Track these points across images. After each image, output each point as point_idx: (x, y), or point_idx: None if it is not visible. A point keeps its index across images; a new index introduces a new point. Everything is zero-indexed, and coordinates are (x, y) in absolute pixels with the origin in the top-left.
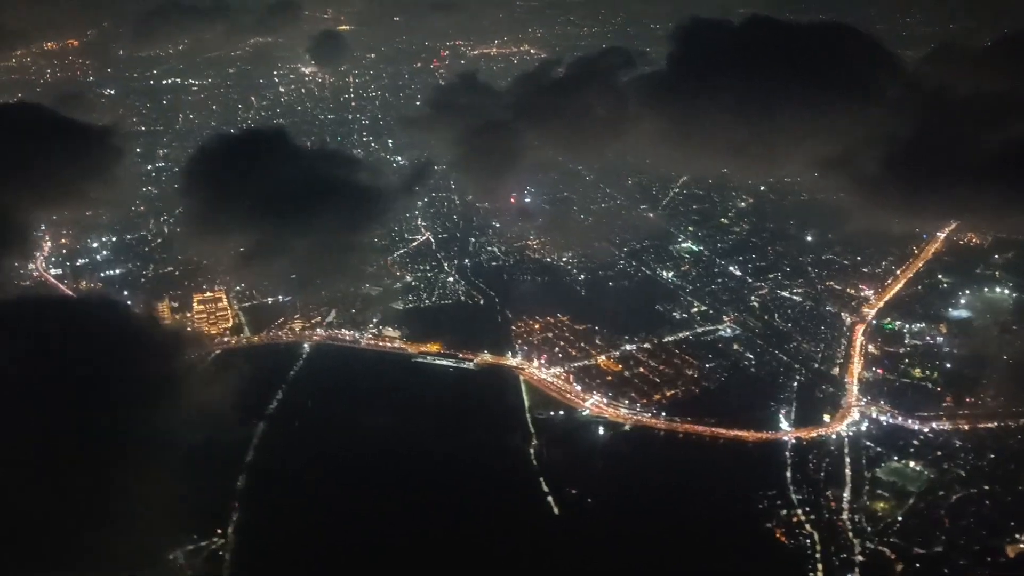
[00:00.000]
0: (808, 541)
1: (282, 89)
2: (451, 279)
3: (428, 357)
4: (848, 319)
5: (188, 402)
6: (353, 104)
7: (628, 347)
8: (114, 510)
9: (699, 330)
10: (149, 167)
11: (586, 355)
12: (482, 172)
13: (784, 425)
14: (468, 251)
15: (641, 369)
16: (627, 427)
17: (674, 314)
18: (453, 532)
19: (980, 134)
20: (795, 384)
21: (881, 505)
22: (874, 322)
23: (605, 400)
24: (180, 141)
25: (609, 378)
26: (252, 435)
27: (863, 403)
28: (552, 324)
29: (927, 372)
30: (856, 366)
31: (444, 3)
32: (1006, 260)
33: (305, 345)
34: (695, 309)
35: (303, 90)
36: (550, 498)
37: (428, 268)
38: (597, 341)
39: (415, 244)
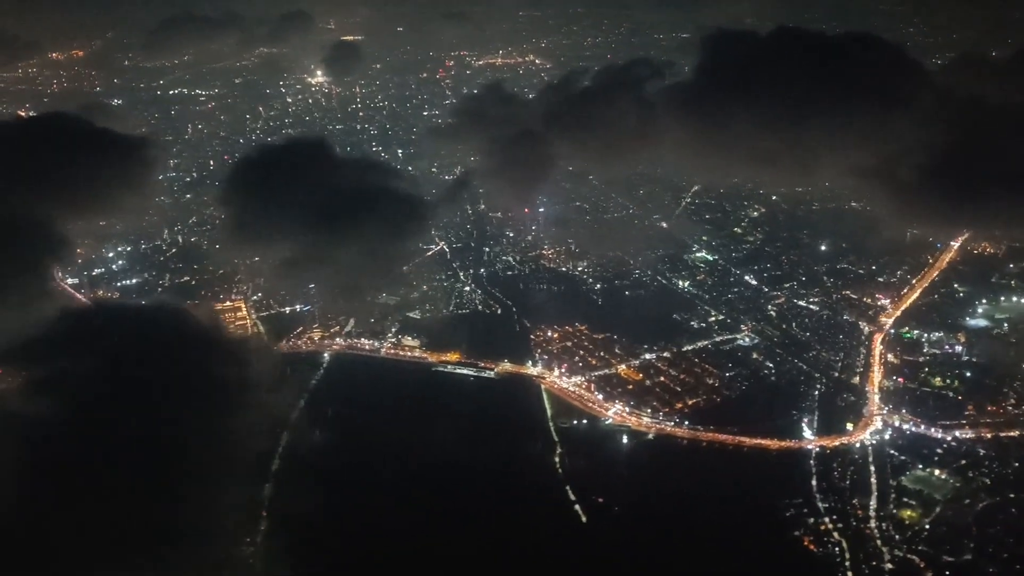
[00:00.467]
0: (836, 549)
1: (289, 99)
2: (467, 288)
3: (448, 366)
4: (866, 328)
5: (260, 408)
6: (361, 114)
7: (648, 356)
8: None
9: (717, 339)
10: (160, 177)
11: (606, 364)
12: (497, 182)
13: (807, 434)
14: (483, 260)
15: (662, 378)
16: (650, 436)
17: (692, 323)
18: (483, 541)
19: (996, 143)
20: (816, 393)
21: (908, 513)
22: (892, 331)
23: (627, 409)
24: (191, 151)
25: (630, 387)
26: (277, 444)
27: (885, 412)
28: (571, 333)
29: (947, 381)
30: (876, 375)
31: (451, 13)
32: (1021, 269)
33: (325, 354)
34: (712, 318)
35: (310, 100)
36: (577, 507)
37: (444, 278)
38: (616, 350)
39: (430, 254)
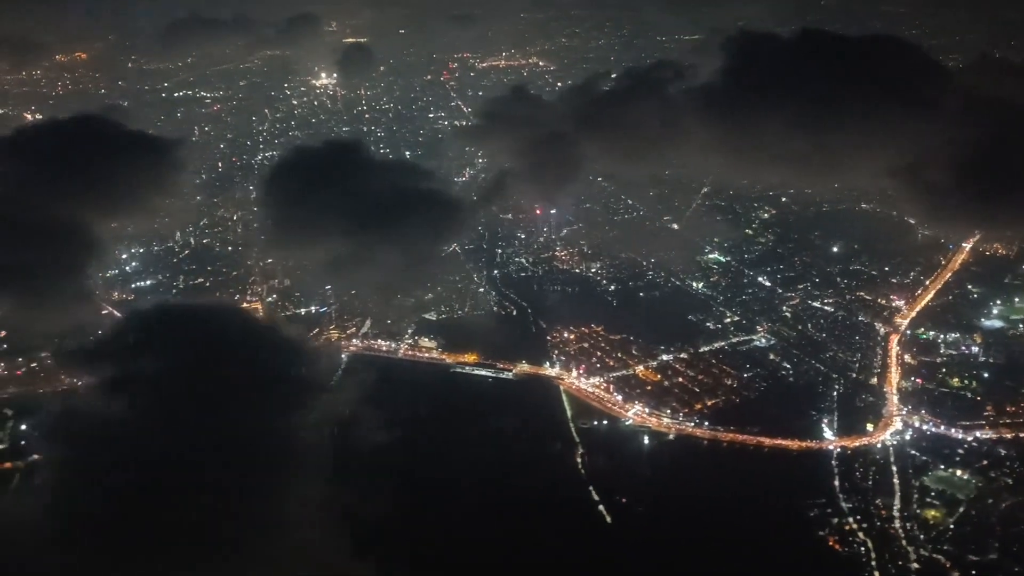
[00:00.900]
0: (862, 549)
1: (295, 102)
2: (481, 290)
3: (466, 367)
4: (882, 329)
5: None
6: (367, 116)
7: (665, 357)
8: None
9: (734, 340)
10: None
11: (624, 365)
12: (507, 183)
13: (827, 434)
14: (496, 262)
15: (680, 379)
16: (671, 436)
17: (707, 324)
18: (508, 541)
19: (1009, 145)
20: (835, 393)
21: (932, 513)
22: (908, 332)
23: (647, 410)
24: (198, 153)
25: (649, 388)
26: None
27: (904, 412)
28: (587, 334)
29: (965, 381)
30: (894, 375)
31: (453, 15)
32: None
33: (343, 355)
34: (728, 319)
35: (316, 103)
36: (601, 507)
37: (457, 279)
38: (633, 351)
39: (443, 255)
